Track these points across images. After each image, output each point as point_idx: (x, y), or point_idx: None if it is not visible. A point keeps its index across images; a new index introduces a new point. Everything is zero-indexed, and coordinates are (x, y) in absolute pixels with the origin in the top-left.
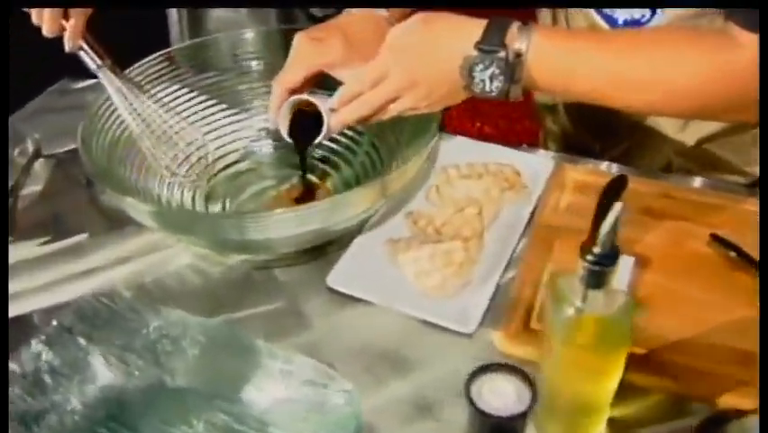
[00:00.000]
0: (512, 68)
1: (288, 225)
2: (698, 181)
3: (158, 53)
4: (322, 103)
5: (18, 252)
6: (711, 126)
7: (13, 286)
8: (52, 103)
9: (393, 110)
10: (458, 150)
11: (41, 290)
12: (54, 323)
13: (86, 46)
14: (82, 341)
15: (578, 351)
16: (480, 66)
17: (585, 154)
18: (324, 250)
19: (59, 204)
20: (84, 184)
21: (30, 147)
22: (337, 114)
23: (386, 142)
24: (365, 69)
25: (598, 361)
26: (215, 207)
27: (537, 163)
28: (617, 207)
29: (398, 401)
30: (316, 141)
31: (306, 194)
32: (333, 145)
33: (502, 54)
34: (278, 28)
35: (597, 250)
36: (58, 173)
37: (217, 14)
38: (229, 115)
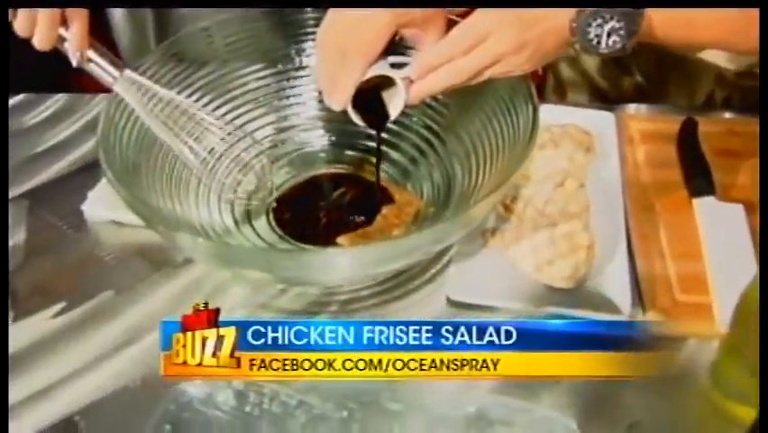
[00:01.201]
0: (633, 19)
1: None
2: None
3: (153, 52)
4: (392, 72)
5: (27, 331)
6: None
7: (35, 379)
8: None
9: (486, 75)
10: None
11: (77, 378)
12: (168, 427)
13: (96, 56)
14: None
15: None
16: (599, 20)
17: (617, 101)
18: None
19: (56, 258)
20: (65, 229)
21: None
22: (420, 84)
23: (445, 117)
24: (457, 30)
25: None
26: (260, 223)
27: (597, 118)
28: None
29: None
30: (393, 117)
31: (367, 196)
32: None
33: (623, 7)
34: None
35: None
36: (32, 219)
37: None
38: (244, 113)
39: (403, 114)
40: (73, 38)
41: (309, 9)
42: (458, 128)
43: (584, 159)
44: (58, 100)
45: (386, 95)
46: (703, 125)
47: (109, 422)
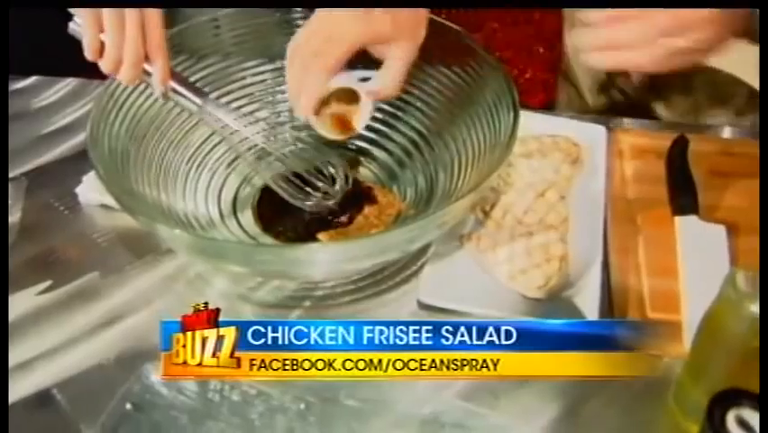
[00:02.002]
0: None
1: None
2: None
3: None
4: (357, 86)
5: (14, 305)
6: None
7: (18, 352)
8: None
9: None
10: None
11: (56, 354)
12: (128, 406)
13: (179, 87)
14: None
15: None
16: None
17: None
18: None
19: (49, 237)
20: (61, 209)
21: None
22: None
23: (434, 121)
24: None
25: None
26: (246, 218)
27: (588, 130)
28: None
29: None
30: (358, 130)
31: (351, 195)
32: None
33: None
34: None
35: None
36: (31, 200)
37: None
38: (239, 107)
39: (394, 117)
40: (157, 72)
41: (300, 9)
42: (445, 133)
43: (570, 170)
44: (67, 84)
45: (354, 108)
46: (697, 144)
47: (85, 395)
